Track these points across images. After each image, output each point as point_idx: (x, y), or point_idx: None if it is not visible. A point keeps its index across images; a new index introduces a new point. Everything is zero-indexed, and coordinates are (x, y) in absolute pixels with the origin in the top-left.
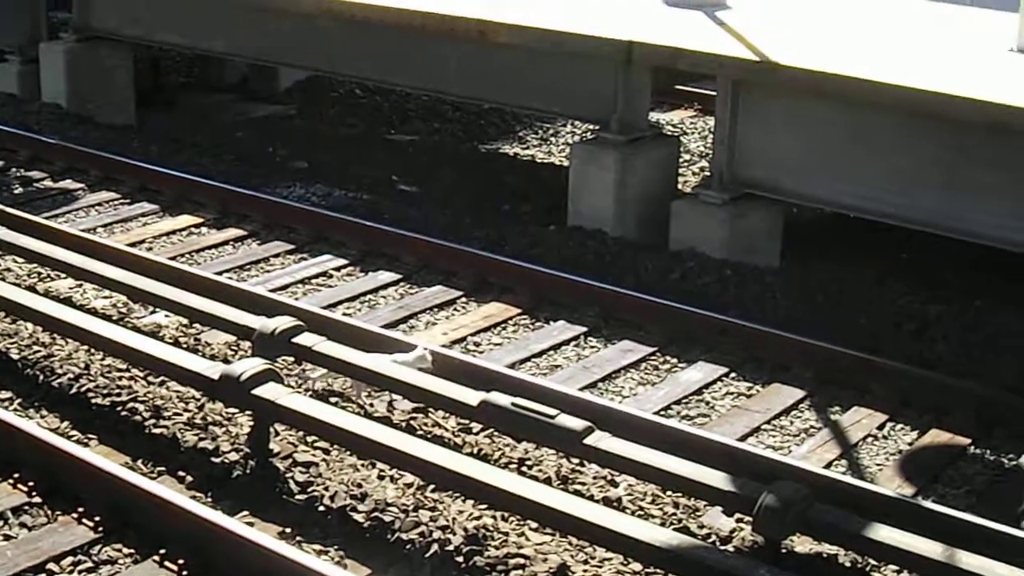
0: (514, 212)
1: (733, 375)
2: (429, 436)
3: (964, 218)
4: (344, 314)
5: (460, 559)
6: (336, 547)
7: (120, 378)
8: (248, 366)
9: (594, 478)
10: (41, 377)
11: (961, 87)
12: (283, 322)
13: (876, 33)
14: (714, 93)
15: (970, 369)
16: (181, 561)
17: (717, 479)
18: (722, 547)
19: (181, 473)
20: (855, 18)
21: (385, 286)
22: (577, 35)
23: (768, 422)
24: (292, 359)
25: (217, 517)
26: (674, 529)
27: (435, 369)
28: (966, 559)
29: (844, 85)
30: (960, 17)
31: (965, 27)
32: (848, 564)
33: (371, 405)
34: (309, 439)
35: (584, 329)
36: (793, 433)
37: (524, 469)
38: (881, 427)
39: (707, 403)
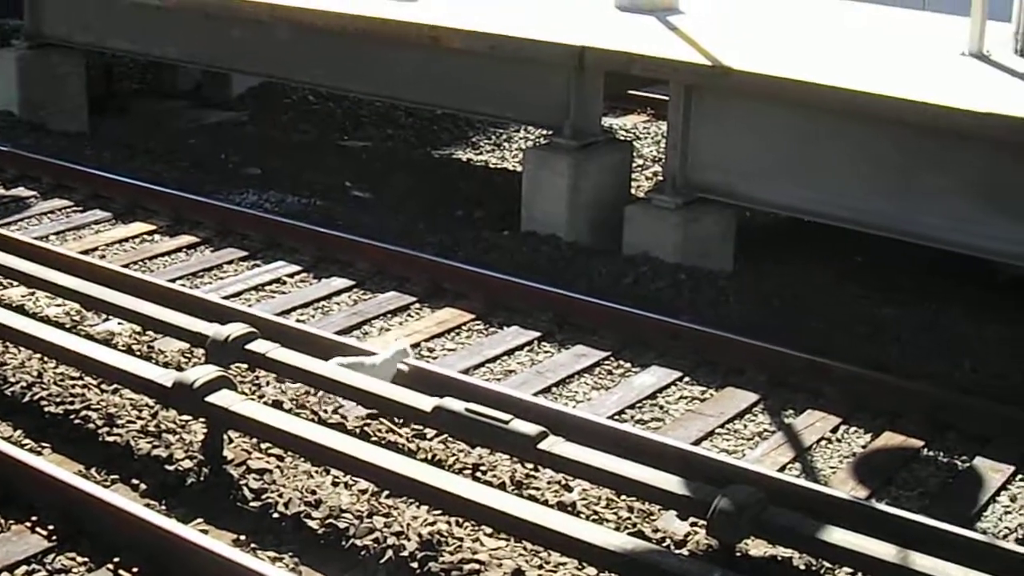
0: (467, 218)
1: (687, 379)
2: (383, 442)
3: (917, 221)
4: (298, 320)
5: (415, 565)
6: (291, 554)
7: (73, 386)
8: (201, 373)
9: (548, 483)
10: None
11: (913, 91)
12: (236, 329)
13: (829, 37)
14: (667, 98)
15: (923, 371)
16: (135, 569)
17: (671, 483)
18: (677, 551)
19: (135, 481)
20: (808, 22)
21: (338, 292)
22: (529, 40)
23: (722, 426)
24: (246, 366)
25: (171, 525)
26: (628, 533)
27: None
28: (920, 561)
29: (797, 89)
30: (913, 21)
31: (918, 31)
32: (803, 567)
33: (328, 411)
34: (263, 446)
35: (538, 334)
36: (747, 437)
37: (478, 474)
38: (835, 430)
39: (661, 407)
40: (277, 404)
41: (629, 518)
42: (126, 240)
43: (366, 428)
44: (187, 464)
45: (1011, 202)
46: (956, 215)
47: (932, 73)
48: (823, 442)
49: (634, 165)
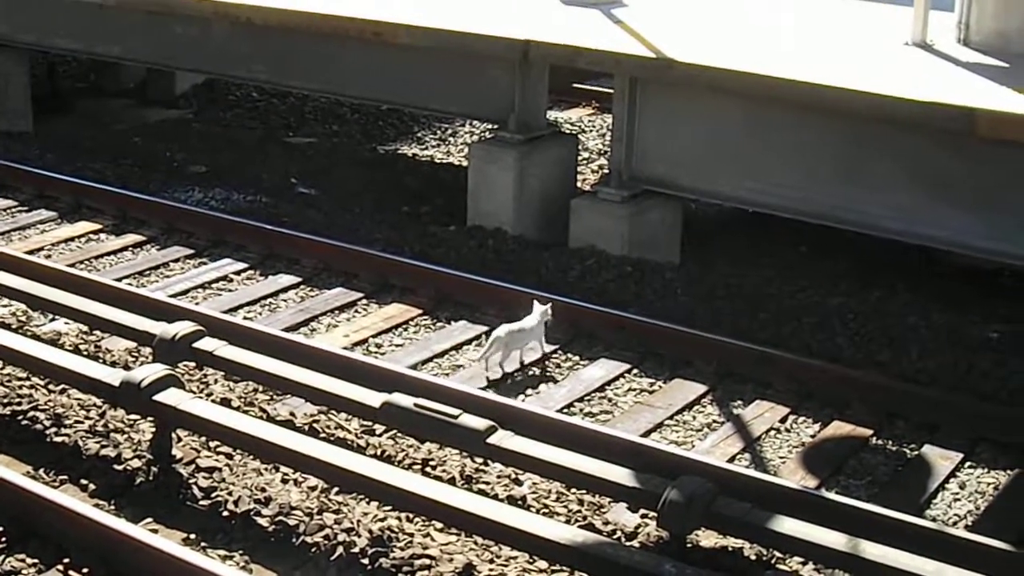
0: (414, 213)
1: (635, 371)
2: (332, 438)
3: (861, 211)
4: (245, 318)
5: (366, 561)
6: (241, 552)
7: (20, 387)
8: (149, 372)
9: (498, 477)
10: None
11: (857, 81)
12: (184, 327)
13: (773, 28)
14: (612, 91)
15: (871, 361)
16: (86, 570)
17: (621, 475)
18: (627, 543)
19: (84, 481)
20: (752, 13)
21: (285, 289)
22: (474, 35)
23: (671, 417)
24: (193, 364)
25: (121, 525)
26: (579, 526)
27: (339, 371)
28: (870, 549)
29: (741, 80)
30: (857, 11)
31: (862, 21)
32: (753, 557)
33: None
34: (212, 444)
35: (486, 328)
36: (696, 428)
37: (428, 469)
38: (783, 420)
39: (610, 400)
40: (225, 402)
41: (579, 511)
42: (72, 239)
43: (315, 425)
44: (136, 463)
45: (954, 191)
46: (900, 204)
47: (876, 63)
48: (772, 432)
49: (580, 158)
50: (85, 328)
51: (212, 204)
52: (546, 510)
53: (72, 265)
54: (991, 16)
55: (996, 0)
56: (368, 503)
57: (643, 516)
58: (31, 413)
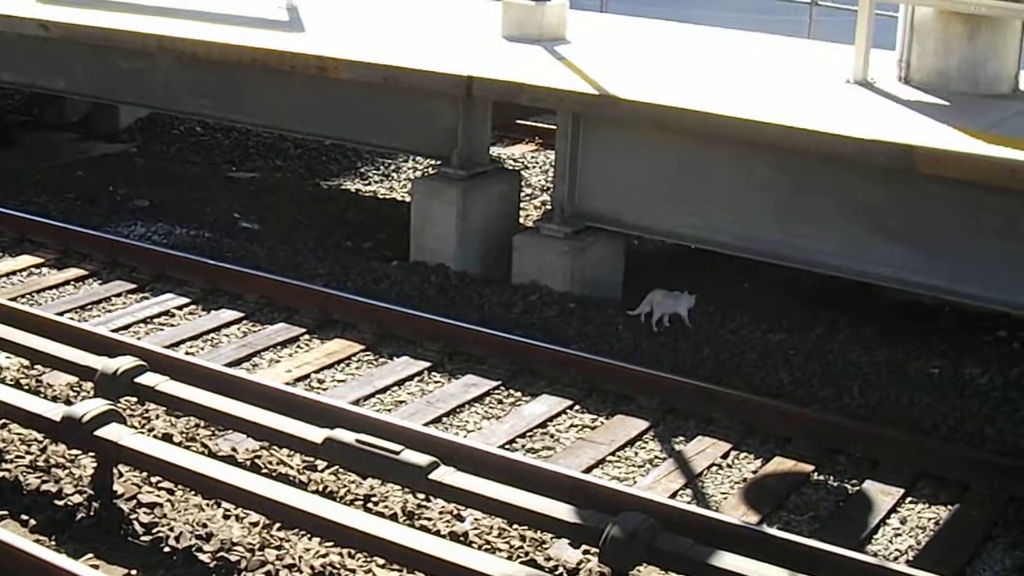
0: (356, 248)
1: (577, 407)
2: (274, 474)
3: (802, 248)
4: (187, 353)
5: None
6: None
7: None
8: (90, 407)
9: (440, 513)
10: None
11: (798, 119)
12: (125, 362)
13: (715, 66)
14: (555, 127)
15: (812, 396)
16: None
17: (563, 511)
18: None
19: (24, 517)
20: (695, 51)
21: (228, 324)
22: (417, 71)
23: (613, 453)
24: (135, 399)
25: (61, 560)
26: (521, 562)
27: (281, 407)
28: None
29: (683, 118)
30: (798, 49)
31: (803, 59)
32: None
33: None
34: (153, 480)
35: (428, 364)
36: (638, 464)
37: (370, 505)
38: (725, 456)
39: (552, 436)
40: (167, 437)
41: (521, 547)
42: (13, 273)
43: (257, 460)
44: (77, 499)
45: (894, 227)
46: (841, 241)
47: (817, 101)
48: (714, 468)
49: (523, 195)
50: (26, 362)
51: (155, 239)
52: (488, 546)
53: (14, 299)
54: (931, 54)
55: (936, 39)
56: (310, 539)
57: (585, 552)
58: None
